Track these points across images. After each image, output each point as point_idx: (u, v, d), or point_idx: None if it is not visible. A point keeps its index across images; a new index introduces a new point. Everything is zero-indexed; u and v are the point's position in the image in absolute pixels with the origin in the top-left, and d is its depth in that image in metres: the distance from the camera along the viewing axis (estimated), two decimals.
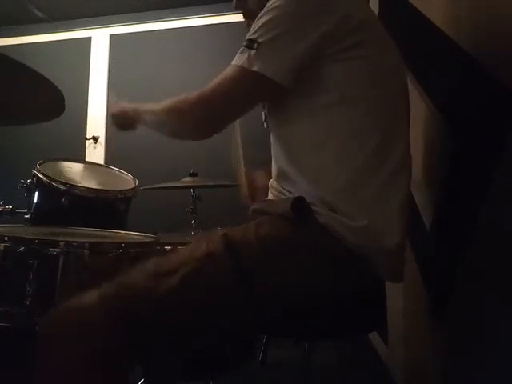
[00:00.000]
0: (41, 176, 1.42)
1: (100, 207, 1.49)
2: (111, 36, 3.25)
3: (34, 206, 1.45)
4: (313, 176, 0.78)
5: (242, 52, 0.78)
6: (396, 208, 0.77)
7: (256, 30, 0.78)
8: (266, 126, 0.93)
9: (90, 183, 1.54)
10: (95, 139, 3.12)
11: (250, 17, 0.96)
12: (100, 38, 3.26)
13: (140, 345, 0.67)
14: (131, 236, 1.32)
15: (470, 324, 0.82)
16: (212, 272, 0.69)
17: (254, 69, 0.76)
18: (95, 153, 3.13)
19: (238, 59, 0.78)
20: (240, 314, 0.71)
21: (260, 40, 0.76)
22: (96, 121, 3.17)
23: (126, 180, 1.70)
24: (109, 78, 3.20)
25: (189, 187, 1.88)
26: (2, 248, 0.96)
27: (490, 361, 0.73)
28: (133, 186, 1.63)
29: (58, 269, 0.95)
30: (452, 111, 0.96)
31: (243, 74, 0.77)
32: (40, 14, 3.15)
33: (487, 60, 0.78)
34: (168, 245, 1.26)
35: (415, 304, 1.24)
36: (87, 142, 3.14)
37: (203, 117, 0.81)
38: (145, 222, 1.66)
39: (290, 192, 0.81)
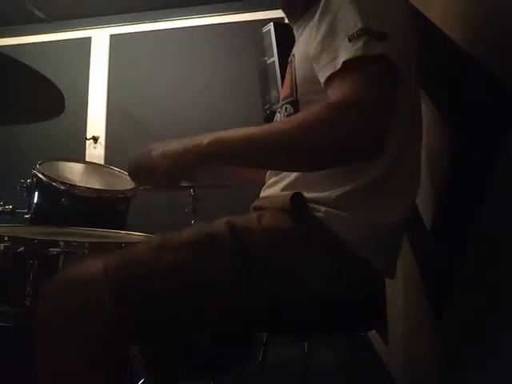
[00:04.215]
0: (41, 176, 1.42)
1: (100, 207, 1.49)
2: (111, 36, 3.25)
3: (33, 206, 1.45)
4: (326, 180, 0.77)
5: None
6: (400, 210, 0.77)
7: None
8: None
9: (90, 183, 1.54)
10: (95, 139, 3.13)
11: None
12: (100, 38, 3.26)
13: (141, 320, 0.67)
14: (131, 236, 1.32)
15: (470, 324, 0.82)
16: (214, 251, 0.70)
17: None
18: (95, 153, 3.13)
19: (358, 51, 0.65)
20: (239, 291, 0.71)
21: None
22: (96, 121, 3.17)
23: (126, 180, 1.69)
24: (109, 78, 3.21)
25: (189, 187, 1.88)
26: (2, 248, 0.96)
27: (490, 361, 0.73)
28: (133, 185, 1.63)
29: (57, 269, 0.95)
30: (452, 111, 0.96)
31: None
32: (40, 14, 3.15)
33: (487, 60, 0.78)
34: None
35: (415, 304, 1.24)
36: (87, 142, 3.14)
37: (362, 121, 0.65)
38: (145, 222, 1.66)
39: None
